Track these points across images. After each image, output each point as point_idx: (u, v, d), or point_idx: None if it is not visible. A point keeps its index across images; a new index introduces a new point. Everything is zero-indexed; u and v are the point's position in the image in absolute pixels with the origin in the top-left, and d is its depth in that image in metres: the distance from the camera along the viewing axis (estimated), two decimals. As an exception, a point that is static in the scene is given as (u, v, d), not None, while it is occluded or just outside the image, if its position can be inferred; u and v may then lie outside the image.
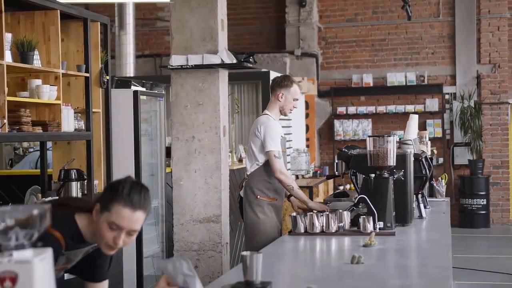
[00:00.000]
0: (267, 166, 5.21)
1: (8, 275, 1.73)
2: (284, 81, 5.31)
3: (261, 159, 5.24)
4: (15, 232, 1.77)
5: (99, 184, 5.89)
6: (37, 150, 7.47)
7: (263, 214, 5.27)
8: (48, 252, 1.80)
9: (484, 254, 10.36)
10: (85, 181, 5.66)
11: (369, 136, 4.52)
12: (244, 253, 2.76)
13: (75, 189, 5.49)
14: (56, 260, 2.72)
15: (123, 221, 2.64)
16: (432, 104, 12.71)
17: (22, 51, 4.90)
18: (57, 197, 5.18)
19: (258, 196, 5.28)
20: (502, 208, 12.70)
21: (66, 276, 4.71)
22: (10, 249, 1.77)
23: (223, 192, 5.75)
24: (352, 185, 5.99)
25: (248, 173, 5.38)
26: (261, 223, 5.27)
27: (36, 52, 5.04)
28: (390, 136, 4.47)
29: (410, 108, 12.65)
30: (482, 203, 12.28)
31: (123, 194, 2.64)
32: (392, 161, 4.43)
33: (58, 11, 5.28)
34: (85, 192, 5.67)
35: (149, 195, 2.73)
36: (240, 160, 8.32)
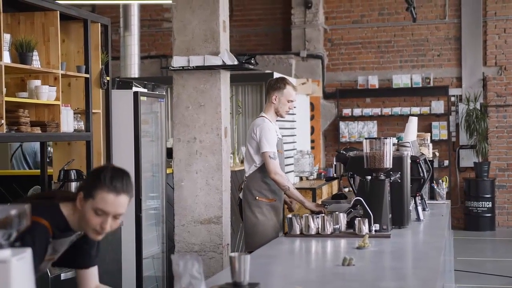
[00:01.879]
0: (265, 168, 5.24)
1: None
2: (277, 83, 5.35)
3: (258, 160, 5.27)
4: (-7, 232, 1.79)
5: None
6: (18, 147, 7.63)
7: (262, 215, 5.30)
8: (27, 252, 1.81)
9: (489, 257, 10.33)
10: (85, 181, 5.67)
11: (365, 138, 4.52)
12: (232, 254, 2.77)
13: (75, 190, 5.51)
14: (46, 248, 2.79)
15: (108, 206, 2.72)
16: (438, 106, 12.67)
17: (21, 52, 4.92)
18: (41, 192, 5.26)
19: (257, 197, 5.32)
20: (508, 211, 12.65)
21: (63, 276, 4.76)
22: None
23: (224, 193, 5.76)
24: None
25: (247, 175, 5.41)
26: (260, 224, 5.30)
27: (35, 52, 5.06)
28: (386, 138, 4.47)
29: (415, 110, 12.62)
30: (487, 206, 12.24)
31: (106, 181, 2.73)
32: (388, 163, 4.42)
33: (58, 12, 5.30)
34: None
35: (130, 180, 2.82)
36: (243, 161, 8.32)
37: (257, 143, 5.25)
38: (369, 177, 4.43)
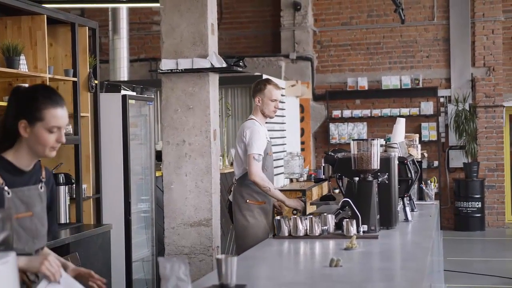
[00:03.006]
0: (255, 170, 5.25)
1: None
2: (258, 85, 5.42)
3: (248, 163, 5.29)
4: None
5: (87, 188, 5.90)
6: None
7: (252, 218, 5.31)
8: (11, 256, 1.81)
9: (479, 257, 10.37)
10: (73, 185, 5.67)
11: (353, 140, 4.53)
12: (219, 256, 2.78)
13: (63, 194, 5.50)
14: (1, 195, 2.75)
15: (59, 121, 2.81)
16: (427, 107, 12.72)
17: (8, 56, 4.92)
18: None
19: (248, 200, 5.33)
20: (497, 211, 12.70)
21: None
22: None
23: (214, 196, 5.76)
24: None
25: (236, 178, 5.42)
26: (251, 227, 5.32)
27: (22, 57, 5.05)
28: (374, 139, 4.48)
29: (405, 111, 12.66)
30: (477, 206, 12.29)
31: (47, 100, 2.80)
32: (376, 164, 4.43)
33: (45, 16, 5.30)
34: (74, 196, 5.68)
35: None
36: (232, 164, 8.33)
37: (246, 145, 5.27)
38: (356, 179, 4.44)
